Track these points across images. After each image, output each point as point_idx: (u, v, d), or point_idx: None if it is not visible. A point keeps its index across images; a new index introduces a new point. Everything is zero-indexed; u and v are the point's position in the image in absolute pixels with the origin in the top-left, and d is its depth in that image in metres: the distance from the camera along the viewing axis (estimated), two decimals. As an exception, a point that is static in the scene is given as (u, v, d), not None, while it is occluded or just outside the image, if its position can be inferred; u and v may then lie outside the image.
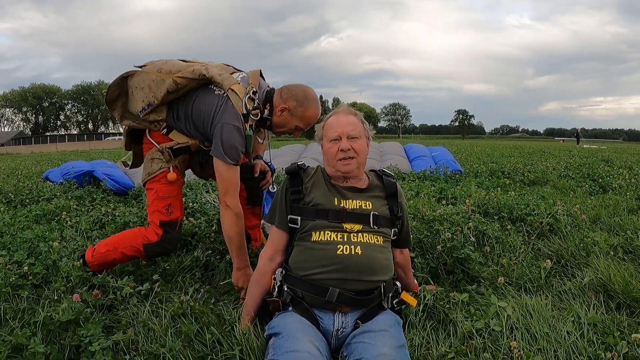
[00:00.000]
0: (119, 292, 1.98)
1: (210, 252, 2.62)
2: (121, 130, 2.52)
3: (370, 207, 1.78)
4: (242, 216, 2.13)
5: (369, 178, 1.90)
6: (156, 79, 2.12)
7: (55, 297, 1.95)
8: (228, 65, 2.30)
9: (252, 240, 2.64)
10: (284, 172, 1.91)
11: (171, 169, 2.26)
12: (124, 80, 2.23)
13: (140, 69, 2.22)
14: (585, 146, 25.08)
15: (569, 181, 6.13)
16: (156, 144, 2.27)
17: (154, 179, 2.27)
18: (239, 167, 2.12)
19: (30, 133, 70.50)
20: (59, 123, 76.89)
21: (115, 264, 2.34)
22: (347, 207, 1.76)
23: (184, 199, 3.36)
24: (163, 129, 2.25)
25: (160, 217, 2.25)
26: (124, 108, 2.28)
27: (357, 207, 1.77)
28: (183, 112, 2.19)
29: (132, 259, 2.34)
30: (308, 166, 1.91)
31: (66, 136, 59.79)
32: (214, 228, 2.99)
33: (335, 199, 1.78)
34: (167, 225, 2.26)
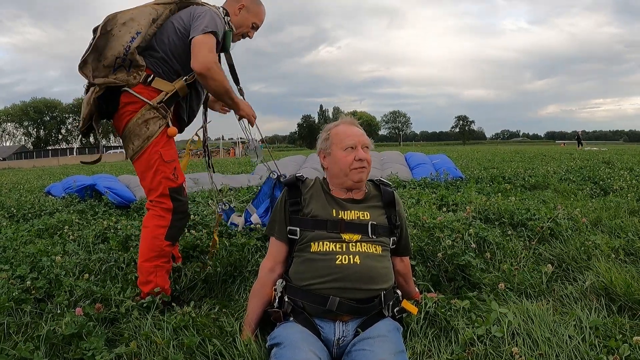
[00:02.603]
0: (121, 306, 1.99)
1: (210, 263, 2.63)
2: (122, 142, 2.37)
3: (368, 217, 1.80)
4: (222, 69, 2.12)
5: (366, 189, 1.91)
6: (136, 12, 2.07)
7: (58, 311, 1.96)
8: None
9: (177, 258, 2.58)
10: (283, 184, 1.92)
11: (169, 123, 2.11)
12: (97, 38, 1.99)
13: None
14: (586, 149, 24.99)
15: (570, 184, 6.12)
16: (148, 101, 2.05)
17: (153, 142, 2.07)
18: (214, 38, 2.07)
19: (31, 147, 70.75)
20: (60, 137, 77.14)
21: (165, 277, 2.16)
22: (345, 217, 1.77)
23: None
24: (145, 78, 2.06)
25: (169, 184, 2.09)
26: (96, 62, 2.01)
27: (355, 217, 1.78)
28: (160, 39, 2.11)
29: (168, 260, 2.18)
30: (306, 178, 1.93)
31: (67, 150, 60.03)
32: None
33: (334, 210, 1.79)
34: (176, 192, 2.12)
